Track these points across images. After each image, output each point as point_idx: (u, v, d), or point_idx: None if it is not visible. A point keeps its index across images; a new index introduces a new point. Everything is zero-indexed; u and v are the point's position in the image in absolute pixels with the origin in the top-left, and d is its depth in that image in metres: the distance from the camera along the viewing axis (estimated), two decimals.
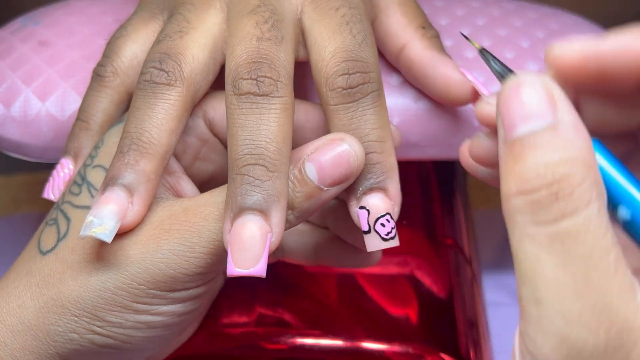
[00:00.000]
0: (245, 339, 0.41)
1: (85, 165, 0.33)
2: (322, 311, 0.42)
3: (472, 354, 0.42)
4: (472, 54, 0.42)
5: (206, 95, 0.33)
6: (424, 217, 0.46)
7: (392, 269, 0.44)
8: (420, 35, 0.36)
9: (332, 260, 0.37)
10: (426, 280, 0.44)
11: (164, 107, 0.30)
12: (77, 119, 0.35)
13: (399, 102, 0.40)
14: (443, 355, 0.40)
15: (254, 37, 0.30)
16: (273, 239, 0.28)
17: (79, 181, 0.33)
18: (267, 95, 0.29)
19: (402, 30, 0.36)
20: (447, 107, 0.39)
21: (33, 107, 0.40)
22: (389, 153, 0.30)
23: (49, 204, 0.61)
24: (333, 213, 0.35)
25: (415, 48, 0.36)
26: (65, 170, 0.35)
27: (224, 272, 0.30)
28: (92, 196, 0.31)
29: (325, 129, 0.32)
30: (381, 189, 0.30)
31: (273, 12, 0.31)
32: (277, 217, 0.28)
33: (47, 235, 0.32)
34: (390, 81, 0.40)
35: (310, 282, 0.43)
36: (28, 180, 0.63)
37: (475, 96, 0.36)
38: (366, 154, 0.30)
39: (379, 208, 0.30)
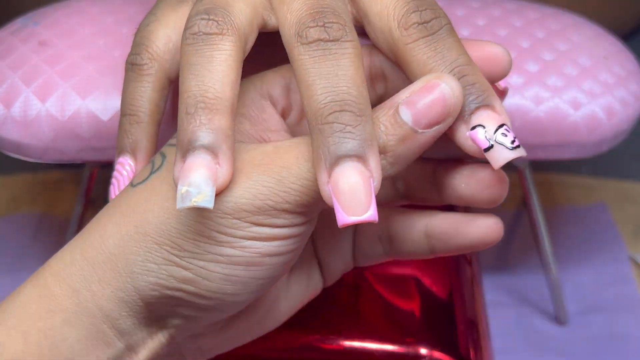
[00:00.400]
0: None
1: None
2: (327, 314, 0.42)
3: (472, 353, 0.42)
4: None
5: None
6: None
7: (393, 270, 0.44)
8: None
9: (449, 236, 0.34)
10: (426, 281, 0.44)
11: (222, 58, 0.29)
12: (123, 114, 0.34)
13: None
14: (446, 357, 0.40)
15: None
16: (375, 184, 0.27)
17: None
18: (337, 40, 0.28)
19: None
20: None
21: (33, 107, 0.40)
22: (481, 75, 0.29)
23: (50, 204, 0.61)
24: (447, 177, 0.33)
25: None
26: (127, 167, 0.34)
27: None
28: None
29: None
30: (487, 105, 0.29)
31: None
32: (374, 161, 0.27)
33: (141, 171, 0.31)
34: None
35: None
36: (28, 180, 0.63)
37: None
38: (460, 77, 0.29)
39: (493, 120, 0.28)
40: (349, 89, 0.28)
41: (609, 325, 0.52)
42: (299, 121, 0.33)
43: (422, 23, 0.29)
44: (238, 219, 0.29)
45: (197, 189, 0.27)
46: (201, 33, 0.29)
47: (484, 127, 0.28)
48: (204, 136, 0.28)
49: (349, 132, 0.27)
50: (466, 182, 0.31)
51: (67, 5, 0.46)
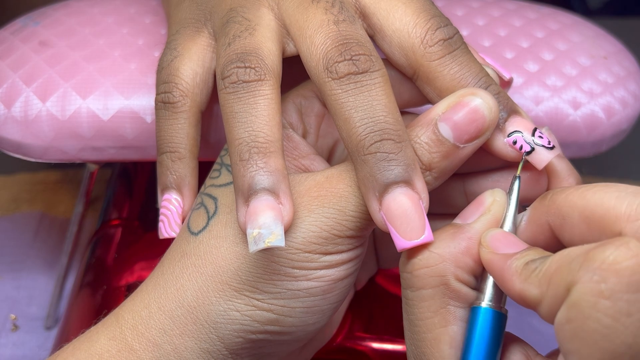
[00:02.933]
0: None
1: (221, 156, 0.33)
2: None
3: None
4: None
5: None
6: None
7: (393, 269, 0.44)
8: None
9: None
10: None
11: (265, 103, 0.30)
12: (162, 152, 0.35)
13: None
14: None
15: (330, 21, 0.30)
16: (425, 204, 0.28)
17: (217, 167, 0.33)
18: (366, 71, 0.29)
19: None
20: None
21: (34, 107, 0.40)
22: (498, 84, 0.31)
23: (50, 204, 0.61)
24: None
25: None
26: (174, 203, 0.34)
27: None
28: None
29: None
30: (516, 112, 0.30)
31: None
32: (420, 183, 0.29)
33: (195, 217, 0.32)
34: None
35: None
36: (29, 179, 0.63)
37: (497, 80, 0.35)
38: (486, 88, 0.30)
39: (527, 125, 0.30)
40: (386, 117, 0.29)
41: None
42: (316, 142, 0.34)
43: (447, 39, 0.30)
44: (309, 252, 0.30)
45: (267, 230, 0.28)
46: (240, 81, 0.30)
47: (521, 132, 0.30)
48: (263, 179, 0.29)
49: (393, 159, 0.28)
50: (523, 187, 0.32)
51: (68, 5, 0.46)
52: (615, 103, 0.41)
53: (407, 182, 0.28)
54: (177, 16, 0.37)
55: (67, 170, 0.64)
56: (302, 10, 0.31)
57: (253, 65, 0.30)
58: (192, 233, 0.32)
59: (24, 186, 0.63)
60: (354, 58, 0.29)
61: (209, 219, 0.32)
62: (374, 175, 0.28)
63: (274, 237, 0.28)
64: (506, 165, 0.31)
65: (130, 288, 0.43)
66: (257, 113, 0.30)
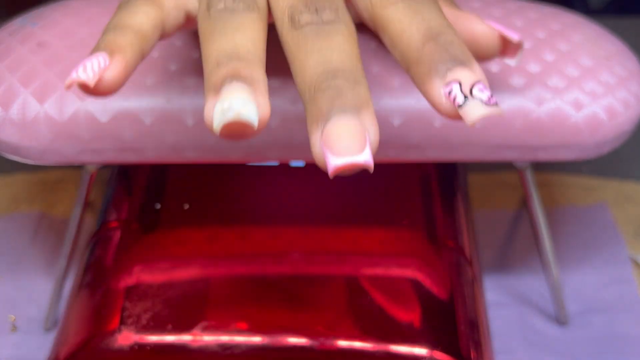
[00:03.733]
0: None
1: None
2: (327, 315, 0.42)
3: (473, 354, 0.41)
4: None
5: None
6: (425, 218, 0.46)
7: (393, 270, 0.44)
8: None
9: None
10: (427, 281, 0.44)
11: (252, 27, 0.28)
12: (107, 30, 0.30)
13: (400, 103, 0.39)
14: (444, 355, 0.40)
15: None
16: (372, 138, 0.25)
17: None
18: (329, 22, 0.28)
19: None
20: None
21: (32, 109, 0.40)
22: (459, 37, 0.28)
23: (49, 203, 0.61)
24: None
25: None
26: (100, 60, 0.28)
27: None
28: None
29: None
30: (464, 65, 0.27)
31: None
32: (370, 121, 0.26)
33: None
34: (391, 83, 0.40)
35: (313, 286, 0.43)
36: (28, 179, 0.63)
37: (505, 45, 0.34)
38: (437, 36, 0.27)
39: (470, 77, 0.27)
40: (343, 62, 0.27)
41: (609, 326, 0.52)
42: None
43: None
44: None
45: (240, 102, 0.26)
46: (229, 9, 0.29)
47: (460, 84, 0.27)
48: (241, 77, 0.26)
49: (344, 94, 0.26)
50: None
51: (66, 5, 0.45)
52: (618, 104, 0.41)
53: (356, 115, 0.26)
54: None
55: (66, 170, 0.64)
56: None
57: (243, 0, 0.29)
58: None
59: (23, 186, 0.63)
60: (318, 9, 0.28)
61: None
62: (321, 109, 0.26)
63: (247, 109, 0.25)
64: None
65: (130, 290, 0.43)
66: (243, 30, 0.28)
